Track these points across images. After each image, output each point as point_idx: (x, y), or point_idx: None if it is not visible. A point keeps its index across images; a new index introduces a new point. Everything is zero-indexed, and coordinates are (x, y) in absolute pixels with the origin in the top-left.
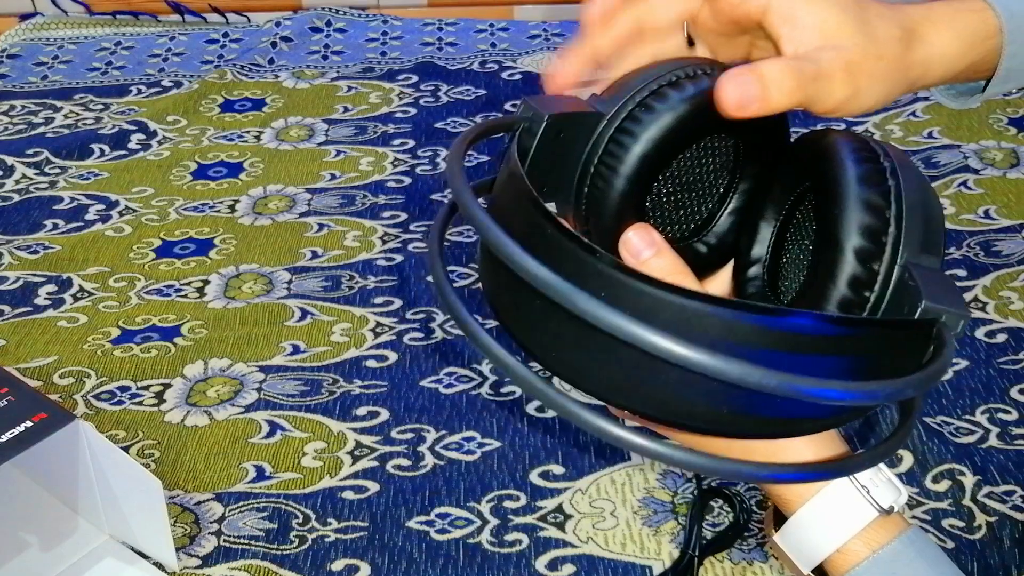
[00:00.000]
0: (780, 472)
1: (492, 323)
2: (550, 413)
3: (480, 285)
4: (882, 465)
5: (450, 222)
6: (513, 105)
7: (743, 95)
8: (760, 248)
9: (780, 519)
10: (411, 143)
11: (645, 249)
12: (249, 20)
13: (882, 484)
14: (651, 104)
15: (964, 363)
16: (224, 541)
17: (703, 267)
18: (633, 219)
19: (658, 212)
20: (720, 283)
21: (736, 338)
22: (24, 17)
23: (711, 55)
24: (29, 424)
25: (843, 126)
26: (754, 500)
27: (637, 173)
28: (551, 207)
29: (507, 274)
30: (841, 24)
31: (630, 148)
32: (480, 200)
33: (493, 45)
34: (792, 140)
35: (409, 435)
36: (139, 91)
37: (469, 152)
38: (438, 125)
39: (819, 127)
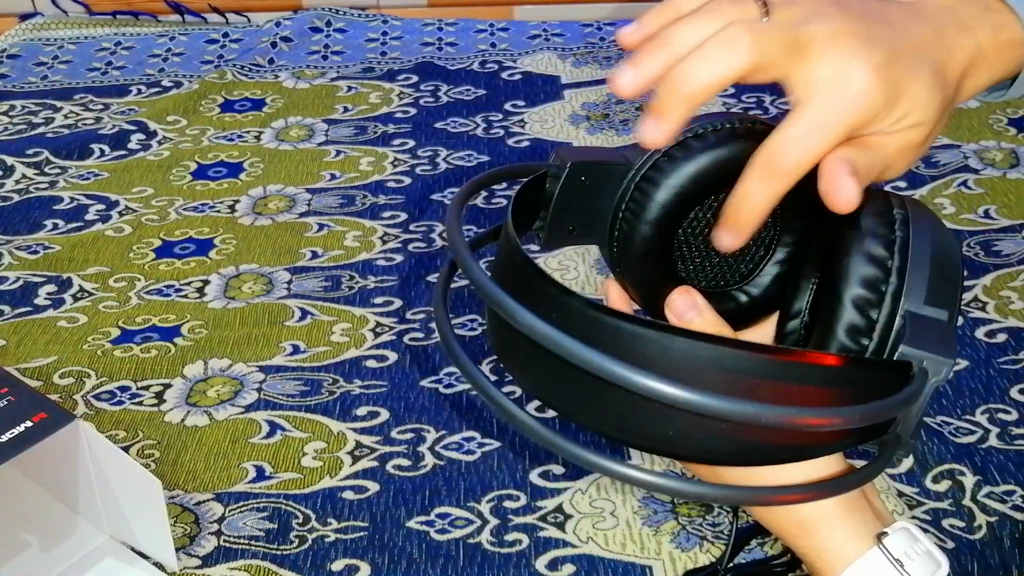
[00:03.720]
0: (766, 493)
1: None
2: (550, 413)
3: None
4: (920, 536)
5: (452, 278)
6: (513, 105)
7: (852, 196)
8: (800, 303)
9: None
10: (411, 143)
11: (688, 311)
12: (249, 20)
13: (918, 557)
14: (674, 154)
15: (964, 363)
16: (224, 541)
17: (745, 316)
18: (658, 262)
19: (693, 260)
20: (763, 333)
21: (696, 367)
22: (24, 17)
23: None
24: (29, 424)
25: None
26: None
27: (659, 219)
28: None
29: (496, 317)
30: (931, 100)
31: (651, 195)
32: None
33: (493, 45)
34: None
35: (409, 435)
36: (139, 91)
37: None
38: (438, 125)
39: None
